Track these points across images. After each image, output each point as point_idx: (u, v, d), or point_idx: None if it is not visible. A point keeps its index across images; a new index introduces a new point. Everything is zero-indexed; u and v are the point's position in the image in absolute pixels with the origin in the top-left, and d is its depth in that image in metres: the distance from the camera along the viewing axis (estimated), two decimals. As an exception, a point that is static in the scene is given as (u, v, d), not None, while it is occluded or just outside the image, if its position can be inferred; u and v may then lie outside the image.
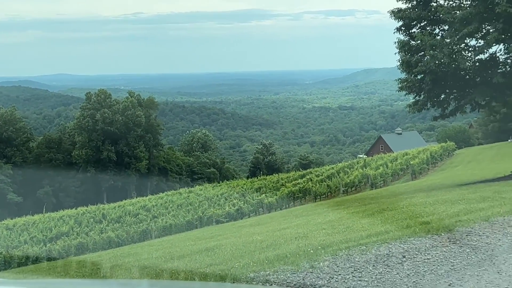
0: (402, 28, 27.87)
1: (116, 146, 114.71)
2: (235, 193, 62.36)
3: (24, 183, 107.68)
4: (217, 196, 63.13)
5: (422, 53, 26.43)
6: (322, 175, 61.24)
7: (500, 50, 26.90)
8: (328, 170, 65.91)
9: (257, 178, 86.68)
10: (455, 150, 72.33)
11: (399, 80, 27.90)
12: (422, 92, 27.36)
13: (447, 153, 67.60)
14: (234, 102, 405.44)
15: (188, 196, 71.49)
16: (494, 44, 25.68)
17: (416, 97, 28.03)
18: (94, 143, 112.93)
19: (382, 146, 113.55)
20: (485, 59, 26.69)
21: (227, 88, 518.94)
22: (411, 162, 54.67)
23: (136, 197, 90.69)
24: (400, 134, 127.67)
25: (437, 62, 24.99)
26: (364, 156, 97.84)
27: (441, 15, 25.89)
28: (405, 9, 27.57)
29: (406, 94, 28.26)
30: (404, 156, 63.09)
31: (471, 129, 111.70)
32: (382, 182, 53.07)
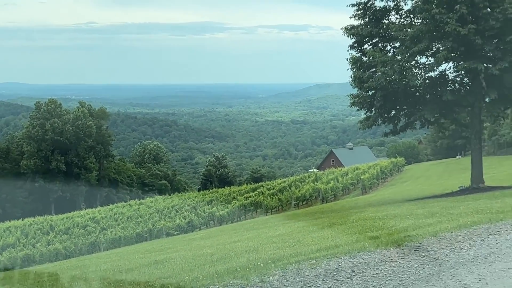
0: (354, 44, 28.27)
1: (65, 156, 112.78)
2: (186, 205, 61.96)
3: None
4: (168, 208, 62.60)
5: (374, 69, 26.84)
6: (273, 189, 61.38)
7: (450, 68, 27.54)
8: (280, 183, 66.08)
9: (209, 190, 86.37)
10: (405, 165, 73.48)
11: (351, 95, 28.24)
12: (373, 108, 27.75)
13: (396, 169, 68.57)
14: (187, 114, 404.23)
15: (139, 208, 70.71)
16: (443, 62, 26.23)
17: (367, 113, 28.41)
18: (43, 153, 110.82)
19: (333, 161, 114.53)
20: (435, 76, 27.25)
21: (180, 100, 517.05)
22: (362, 177, 55.22)
23: (85, 209, 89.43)
24: (351, 149, 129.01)
25: (388, 78, 25.39)
26: (316, 170, 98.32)
27: (392, 33, 26.32)
28: (358, 26, 27.98)
29: (358, 109, 28.59)
30: (354, 171, 63.71)
31: (420, 145, 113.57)
32: (332, 196, 53.47)
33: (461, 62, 26.22)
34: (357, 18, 28.23)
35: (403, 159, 75.23)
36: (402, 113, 28.63)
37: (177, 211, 58.20)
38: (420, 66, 26.87)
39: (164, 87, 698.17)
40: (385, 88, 25.87)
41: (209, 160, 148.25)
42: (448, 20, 24.55)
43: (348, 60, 27.64)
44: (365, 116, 28.70)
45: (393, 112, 28.34)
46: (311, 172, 76.85)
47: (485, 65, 25.44)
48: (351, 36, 27.94)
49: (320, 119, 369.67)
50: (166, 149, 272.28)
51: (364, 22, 28.14)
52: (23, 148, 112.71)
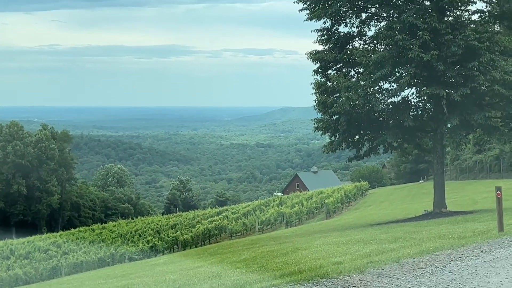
0: (319, 69, 28.48)
1: (27, 179, 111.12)
2: (149, 229, 61.42)
3: None
4: (131, 232, 61.97)
5: (338, 94, 27.04)
6: (238, 213, 61.18)
7: (412, 93, 27.91)
8: (244, 207, 65.88)
9: (173, 214, 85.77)
10: (369, 189, 73.89)
11: (315, 120, 28.39)
12: (337, 133, 27.92)
13: (360, 193, 68.93)
14: (151, 137, 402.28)
15: (101, 233, 69.88)
16: (406, 88, 26.55)
17: (332, 137, 28.57)
18: (4, 176, 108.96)
19: (298, 184, 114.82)
20: (398, 102, 27.57)
21: (145, 123, 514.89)
22: (326, 201, 55.36)
23: (47, 233, 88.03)
24: (316, 172, 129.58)
25: (352, 103, 25.61)
26: (280, 194, 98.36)
27: (356, 58, 26.61)
28: (322, 51, 28.20)
29: (322, 134, 28.72)
30: (319, 195, 63.84)
31: (384, 169, 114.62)
32: (297, 220, 53.48)
33: (424, 88, 26.58)
34: (321, 43, 28.47)
35: (367, 183, 75.73)
36: (365, 138, 28.86)
37: (140, 235, 57.63)
38: (384, 91, 27.17)
39: (128, 110, 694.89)
40: (349, 113, 26.08)
41: (173, 183, 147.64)
42: (411, 46, 24.89)
43: (312, 85, 27.82)
44: (329, 140, 28.86)
45: (357, 137, 28.53)
46: (276, 196, 76.85)
47: (447, 91, 25.81)
48: (316, 61, 28.13)
49: (285, 142, 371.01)
50: (130, 172, 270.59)
51: (328, 47, 28.38)
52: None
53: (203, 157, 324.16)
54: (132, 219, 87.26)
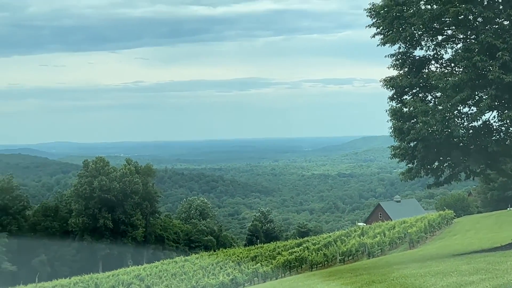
0: (394, 96, 27.71)
1: (113, 213, 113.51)
2: (230, 261, 61.26)
3: (20, 251, 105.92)
4: (212, 265, 61.97)
5: (414, 120, 26.18)
6: (319, 244, 60.30)
7: (494, 117, 26.65)
8: (325, 238, 64.96)
9: (254, 246, 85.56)
10: (454, 218, 71.56)
11: (392, 147, 27.61)
12: (415, 160, 27.01)
13: (445, 222, 66.75)
14: (233, 169, 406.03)
15: (183, 265, 70.32)
16: (487, 111, 25.40)
17: (409, 165, 27.67)
18: (91, 210, 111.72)
19: (380, 214, 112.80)
20: (479, 126, 26.41)
21: (226, 156, 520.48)
22: (409, 231, 53.79)
23: (132, 266, 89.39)
24: (399, 202, 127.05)
25: (429, 129, 24.69)
26: (363, 224, 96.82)
27: (432, 82, 25.66)
28: (397, 77, 27.41)
29: (399, 161, 27.87)
30: (402, 224, 62.23)
31: (470, 197, 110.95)
32: (379, 251, 52.14)
33: (506, 111, 25.38)
34: (395, 68, 27.73)
35: (452, 211, 73.39)
36: (445, 164, 27.79)
37: (221, 268, 57.51)
38: (463, 116, 26.04)
39: (210, 143, 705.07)
40: (426, 139, 25.16)
41: (255, 215, 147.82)
42: (490, 67, 23.89)
43: (388, 111, 27.08)
44: (407, 167, 27.96)
45: (436, 164, 27.51)
46: (357, 226, 75.52)
47: None
48: (391, 88, 27.40)
49: (367, 172, 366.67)
50: (212, 204, 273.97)
51: (403, 72, 27.58)
52: (71, 206, 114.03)
53: (284, 188, 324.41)
54: (215, 251, 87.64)
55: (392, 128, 26.71)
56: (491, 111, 25.96)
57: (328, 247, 56.38)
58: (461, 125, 25.66)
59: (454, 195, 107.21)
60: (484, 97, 24.89)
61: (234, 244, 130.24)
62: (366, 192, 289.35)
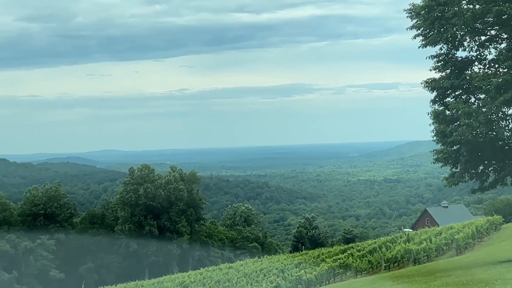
0: (436, 99, 27.00)
1: (158, 220, 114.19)
2: (274, 268, 60.86)
3: (67, 259, 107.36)
4: (256, 272, 61.66)
5: (457, 122, 25.43)
6: (363, 250, 59.46)
7: None
8: (370, 244, 64.03)
9: (299, 253, 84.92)
10: (503, 224, 69.73)
11: (434, 151, 26.88)
12: (459, 164, 26.21)
13: (493, 227, 65.09)
14: (278, 175, 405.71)
15: (227, 272, 70.17)
16: None
17: (453, 169, 26.86)
18: (137, 218, 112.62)
19: (427, 220, 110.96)
20: None
21: (271, 162, 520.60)
22: (455, 237, 52.59)
23: (178, 273, 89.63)
24: (446, 207, 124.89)
25: (473, 131, 23.93)
26: (409, 230, 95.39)
27: (475, 83, 24.86)
28: (439, 79, 26.71)
29: (442, 166, 27.10)
30: (448, 230, 60.95)
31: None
32: (425, 257, 51.08)
33: None
34: (437, 70, 27.01)
35: (501, 217, 71.54)
36: (490, 168, 26.89)
37: (264, 275, 57.15)
38: (508, 118, 25.21)
39: (255, 150, 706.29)
40: (470, 142, 24.41)
41: (299, 221, 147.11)
42: None
43: (430, 114, 26.35)
44: (450, 172, 27.16)
45: (481, 168, 26.62)
46: (403, 232, 74.24)
47: None
48: (432, 90, 26.67)
49: (414, 177, 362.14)
50: (258, 211, 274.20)
51: (445, 74, 26.84)
52: (117, 214, 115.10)
53: (330, 194, 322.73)
54: (259, 257, 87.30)
55: (435, 131, 26.02)
56: None
57: (373, 253, 55.52)
58: (506, 127, 24.81)
59: (503, 200, 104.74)
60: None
61: (280, 251, 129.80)
62: (413, 198, 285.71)
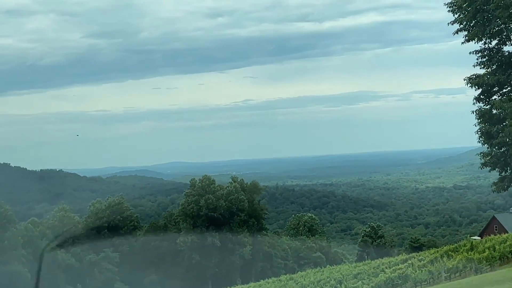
0: (481, 96, 25.07)
1: (220, 231, 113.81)
2: (333, 279, 59.32)
3: (131, 271, 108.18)
4: (314, 283, 60.27)
5: (505, 123, 23.48)
6: (424, 260, 57.17)
7: None
8: (432, 253, 61.63)
9: (362, 262, 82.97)
10: None
11: (481, 154, 24.98)
12: (508, 167, 24.21)
13: None
14: (345, 184, 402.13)
15: (287, 284, 69.12)
16: None
17: (502, 173, 24.89)
18: (199, 229, 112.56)
19: (496, 227, 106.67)
20: None
21: (337, 171, 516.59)
22: (521, 245, 49.88)
23: (240, 284, 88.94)
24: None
25: None
26: (477, 237, 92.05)
27: None
28: (484, 75, 24.82)
29: (491, 170, 25.17)
30: (515, 238, 58.00)
31: None
32: (488, 266, 48.47)
33: None
34: (482, 66, 25.06)
35: None
36: None
37: (322, 286, 55.65)
38: None
39: (320, 159, 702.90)
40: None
41: (364, 230, 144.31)
42: None
43: (474, 113, 24.45)
44: (499, 176, 25.17)
45: None
46: (467, 240, 71.21)
47: None
48: (476, 87, 24.70)
49: (485, 183, 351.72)
50: (324, 220, 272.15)
51: (491, 70, 24.85)
52: (180, 225, 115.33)
53: (398, 202, 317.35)
54: (322, 268, 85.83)
55: (480, 132, 24.17)
56: None
57: (434, 263, 53.24)
58: None
59: None
60: None
61: (345, 261, 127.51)
62: (483, 204, 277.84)
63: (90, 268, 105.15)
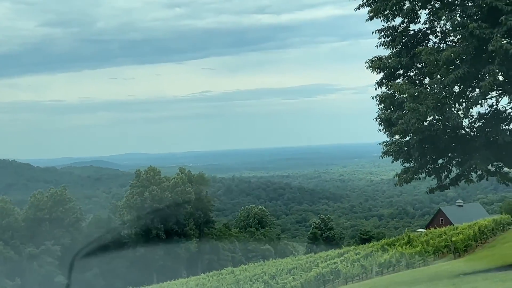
0: (383, 80, 22.55)
1: (165, 224, 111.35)
2: (267, 274, 57.32)
3: (73, 265, 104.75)
4: (248, 278, 58.22)
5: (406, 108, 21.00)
6: (360, 254, 55.46)
7: (507, 101, 21.14)
8: (370, 247, 60.11)
9: (306, 255, 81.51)
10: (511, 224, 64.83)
11: (383, 143, 22.71)
12: (411, 158, 21.98)
13: (501, 228, 60.43)
14: (301, 176, 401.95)
15: (225, 277, 67.15)
16: (491, 92, 20.03)
17: (405, 164, 22.69)
18: (143, 221, 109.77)
19: (442, 219, 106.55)
20: (487, 113, 21.12)
21: (294, 162, 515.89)
22: (453, 239, 48.38)
23: (186, 277, 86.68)
24: (461, 206, 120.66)
25: (420, 118, 19.47)
26: (423, 230, 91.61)
27: (422, 59, 20.30)
28: (386, 57, 22.31)
29: (393, 160, 22.96)
30: (451, 231, 56.76)
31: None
32: (421, 261, 46.94)
33: None
34: (385, 46, 22.53)
35: (509, 216, 66.86)
36: (451, 162, 22.55)
37: (253, 282, 53.64)
38: (462, 100, 20.38)
39: (278, 150, 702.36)
40: (420, 131, 20.08)
41: (314, 222, 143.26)
42: (492, 35, 18.59)
43: (375, 98, 22.07)
44: (403, 168, 23.01)
45: (440, 162, 22.31)
46: (406, 233, 69.84)
47: None
48: (377, 70, 22.17)
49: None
50: (280, 212, 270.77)
51: (395, 51, 22.35)
52: (124, 217, 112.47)
53: (353, 194, 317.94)
54: (273, 260, 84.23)
55: (378, 118, 21.84)
56: (497, 93, 20.60)
57: (368, 257, 51.56)
58: (461, 112, 20.29)
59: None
60: (486, 75, 19.57)
61: (295, 253, 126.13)
62: (436, 197, 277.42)
63: (29, 261, 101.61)
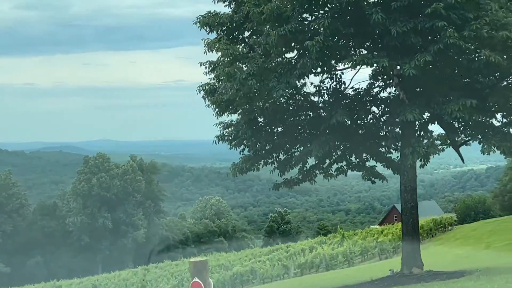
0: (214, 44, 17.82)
1: (113, 213, 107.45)
2: (189, 271, 53.63)
3: (14, 252, 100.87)
4: (170, 274, 54.65)
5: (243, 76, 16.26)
6: (289, 251, 51.73)
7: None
8: (304, 244, 56.53)
9: (250, 250, 78.52)
10: (455, 224, 61.13)
11: (220, 124, 18.37)
12: (244, 142, 17.89)
13: (441, 228, 56.85)
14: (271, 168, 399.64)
15: (155, 272, 63.58)
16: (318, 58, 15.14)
17: (243, 152, 18.57)
18: (90, 209, 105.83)
19: (396, 217, 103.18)
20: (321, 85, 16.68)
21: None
22: (379, 239, 44.83)
23: (134, 268, 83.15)
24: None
25: (236, 87, 15.13)
26: (376, 227, 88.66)
27: (247, 11, 15.82)
28: (219, 15, 17.59)
29: (231, 147, 18.79)
30: (386, 230, 53.31)
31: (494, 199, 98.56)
32: (346, 262, 43.25)
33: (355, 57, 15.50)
34: (223, 1, 17.91)
35: (452, 216, 63.47)
36: (294, 150, 18.30)
37: (168, 279, 49.97)
38: (287, 66, 15.79)
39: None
40: (241, 106, 15.85)
41: (271, 216, 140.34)
42: None
43: (202, 65, 17.52)
44: (243, 156, 18.87)
45: (268, 148, 18.18)
46: (340, 231, 66.24)
47: (398, 61, 15.03)
48: (209, 29, 17.54)
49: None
50: (248, 203, 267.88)
51: (234, 7, 17.79)
52: (70, 205, 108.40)
53: (322, 188, 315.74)
54: (221, 252, 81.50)
55: (200, 89, 17.37)
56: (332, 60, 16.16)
57: (292, 257, 47.86)
58: (292, 83, 15.62)
59: (475, 197, 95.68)
60: (320, 30, 15.02)
61: (252, 246, 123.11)
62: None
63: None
